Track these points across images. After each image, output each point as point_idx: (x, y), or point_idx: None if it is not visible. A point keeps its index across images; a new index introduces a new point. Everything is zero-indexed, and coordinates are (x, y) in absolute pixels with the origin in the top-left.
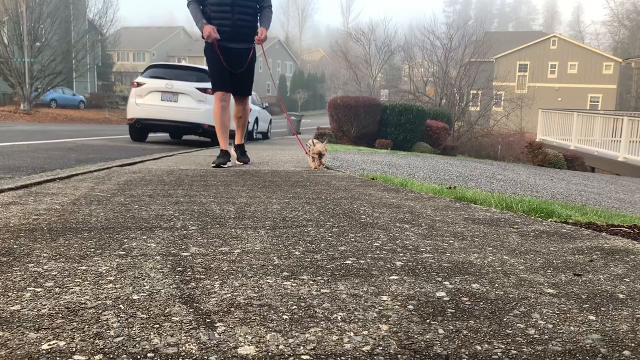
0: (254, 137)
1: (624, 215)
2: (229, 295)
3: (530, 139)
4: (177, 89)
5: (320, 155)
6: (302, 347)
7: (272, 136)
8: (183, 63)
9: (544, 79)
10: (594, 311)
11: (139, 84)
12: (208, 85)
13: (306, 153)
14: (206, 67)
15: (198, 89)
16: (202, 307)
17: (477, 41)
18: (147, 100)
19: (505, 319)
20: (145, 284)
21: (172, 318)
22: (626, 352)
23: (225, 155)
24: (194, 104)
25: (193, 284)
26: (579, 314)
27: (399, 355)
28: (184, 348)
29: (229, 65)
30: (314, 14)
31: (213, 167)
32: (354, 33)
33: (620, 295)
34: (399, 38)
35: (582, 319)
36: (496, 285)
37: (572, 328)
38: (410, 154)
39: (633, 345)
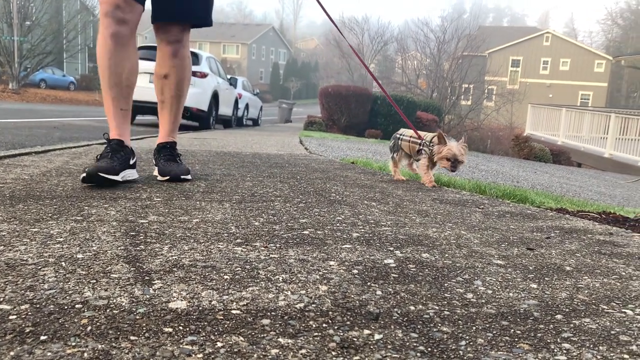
0: (244, 123)
1: (598, 205)
2: (175, 257)
3: (518, 133)
4: None
5: (456, 162)
6: (234, 303)
7: (263, 123)
8: None
9: (536, 75)
10: (537, 280)
11: None
12: (196, 68)
13: (417, 143)
14: (195, 50)
15: None
16: (144, 267)
17: (470, 35)
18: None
19: (446, 285)
20: (93, 245)
21: (111, 275)
22: (558, 316)
23: (115, 153)
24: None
25: (142, 246)
26: (521, 282)
27: (330, 312)
28: (114, 301)
29: None
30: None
31: (82, 181)
32: (347, 22)
33: (568, 268)
34: (393, 29)
35: (523, 287)
36: (446, 255)
37: (511, 294)
38: None
39: (567, 310)
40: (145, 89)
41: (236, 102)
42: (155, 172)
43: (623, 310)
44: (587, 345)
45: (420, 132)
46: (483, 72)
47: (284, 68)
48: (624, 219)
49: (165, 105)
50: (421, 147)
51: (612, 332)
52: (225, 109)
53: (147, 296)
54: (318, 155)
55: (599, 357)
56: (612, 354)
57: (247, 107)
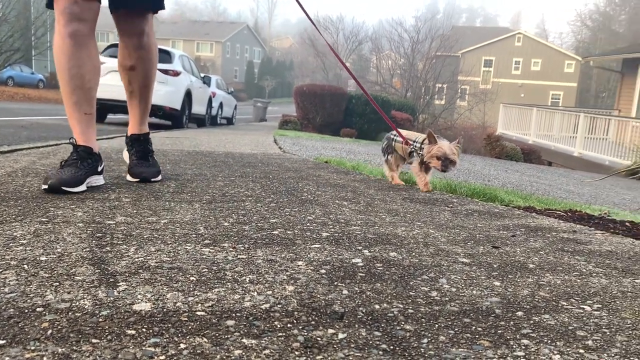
0: (218, 122)
1: (565, 203)
2: (141, 259)
3: (490, 132)
4: None
5: (447, 160)
6: (200, 305)
7: (237, 122)
8: None
9: (508, 75)
10: (500, 278)
11: None
12: (169, 66)
13: (406, 144)
14: (167, 48)
15: (158, 69)
16: (109, 269)
17: (444, 35)
18: (106, 80)
19: (411, 283)
20: (58, 247)
21: (75, 277)
22: (519, 313)
23: (82, 161)
24: (154, 85)
25: (108, 248)
26: (485, 280)
27: (296, 312)
28: (77, 304)
29: None
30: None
31: (44, 189)
32: (322, 21)
33: (531, 265)
34: (367, 28)
35: (487, 285)
36: (413, 254)
37: (474, 292)
38: (372, 142)
39: (528, 307)
40: (116, 87)
41: (210, 100)
42: (125, 156)
43: (581, 306)
44: (545, 341)
45: (412, 133)
46: (456, 72)
47: (259, 67)
48: (588, 216)
49: (135, 95)
50: (412, 149)
51: (570, 327)
52: (198, 108)
53: (111, 298)
54: (292, 154)
55: (555, 352)
56: (568, 349)
57: (221, 105)
